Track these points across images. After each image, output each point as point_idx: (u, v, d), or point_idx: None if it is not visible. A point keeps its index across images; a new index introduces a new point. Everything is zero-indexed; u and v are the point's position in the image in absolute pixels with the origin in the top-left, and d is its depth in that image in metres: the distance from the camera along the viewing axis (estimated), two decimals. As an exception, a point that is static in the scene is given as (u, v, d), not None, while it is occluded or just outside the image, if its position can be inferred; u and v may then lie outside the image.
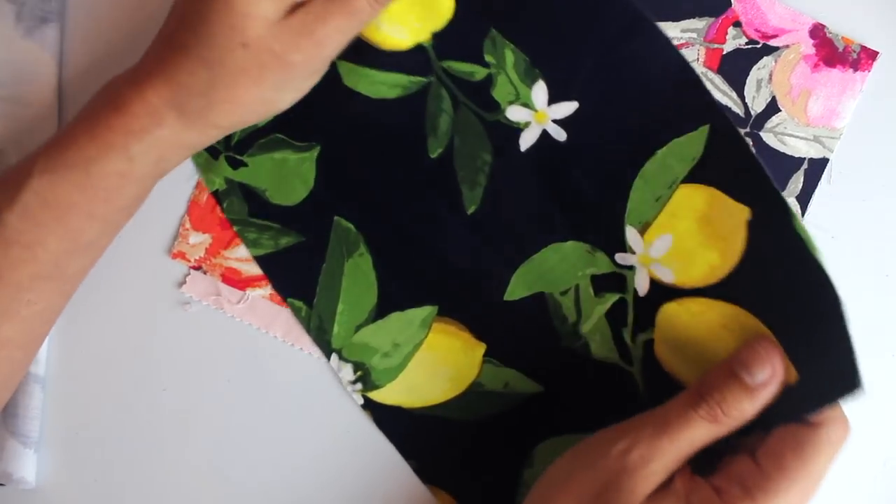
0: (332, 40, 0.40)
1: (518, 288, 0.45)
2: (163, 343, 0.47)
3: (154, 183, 0.42)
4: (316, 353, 0.46)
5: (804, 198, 0.46)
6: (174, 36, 0.40)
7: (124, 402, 0.47)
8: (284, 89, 0.41)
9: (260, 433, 0.47)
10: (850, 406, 0.45)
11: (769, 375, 0.38)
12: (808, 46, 0.45)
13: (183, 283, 0.46)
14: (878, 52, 0.45)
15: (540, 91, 0.45)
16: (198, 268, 0.47)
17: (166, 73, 0.39)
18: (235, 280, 0.46)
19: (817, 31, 0.46)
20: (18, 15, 0.46)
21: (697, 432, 0.38)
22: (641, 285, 0.44)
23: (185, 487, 0.47)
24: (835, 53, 0.45)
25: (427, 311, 0.45)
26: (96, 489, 0.47)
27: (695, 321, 0.42)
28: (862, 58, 0.45)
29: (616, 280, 0.44)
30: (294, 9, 0.39)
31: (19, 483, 0.46)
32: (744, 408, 0.37)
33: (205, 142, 0.41)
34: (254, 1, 0.38)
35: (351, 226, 0.45)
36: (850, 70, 0.45)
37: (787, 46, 0.45)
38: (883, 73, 0.45)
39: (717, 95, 0.46)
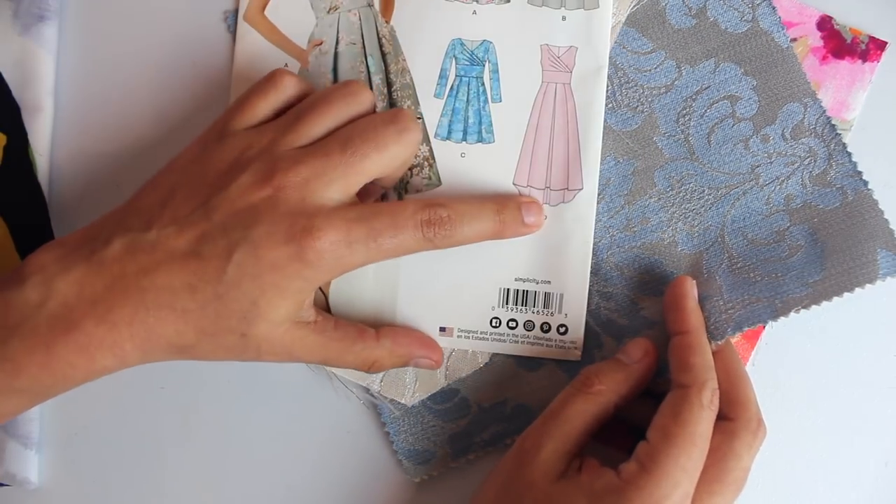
0: (303, 361, 0.41)
1: None
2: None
3: None
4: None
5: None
6: (173, 295, 0.37)
7: (125, 403, 0.47)
8: (241, 360, 0.40)
9: (259, 433, 0.46)
10: (850, 407, 0.45)
11: (642, 354, 0.42)
12: (815, 39, 0.45)
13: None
14: (886, 43, 0.45)
15: None
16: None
17: (152, 328, 0.37)
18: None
19: (825, 23, 0.45)
20: (15, 12, 0.46)
21: (577, 407, 0.41)
22: None
23: (185, 487, 0.46)
24: (843, 45, 0.45)
25: None
26: (98, 489, 0.47)
27: None
28: (871, 48, 0.45)
29: None
30: (300, 320, 0.40)
31: (23, 483, 0.46)
32: (617, 378, 0.41)
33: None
34: (277, 307, 0.38)
35: None
36: (859, 61, 0.45)
37: (795, 39, 0.45)
38: (892, 63, 0.45)
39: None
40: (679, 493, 0.38)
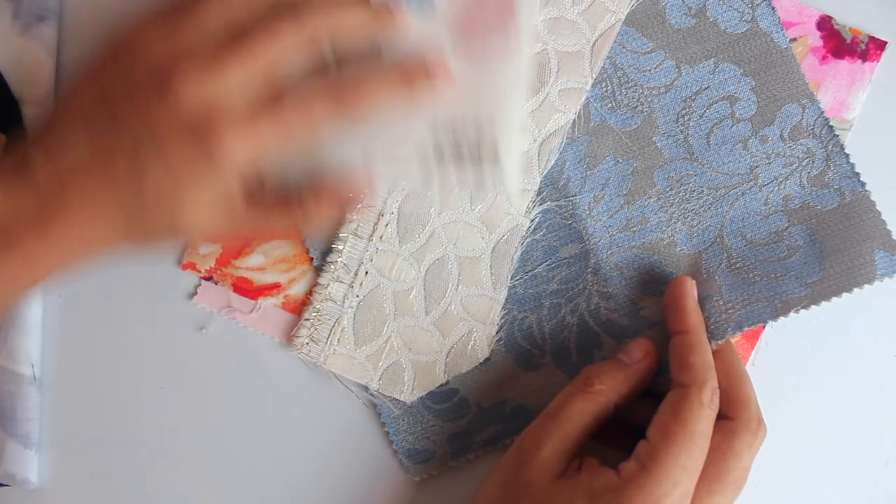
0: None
1: None
2: (162, 343, 0.46)
3: None
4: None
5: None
6: (97, 202, 0.38)
7: (125, 403, 0.47)
8: None
9: (259, 433, 0.46)
10: (850, 407, 0.45)
11: (643, 354, 0.42)
12: (815, 39, 0.45)
13: (194, 293, 0.46)
14: (886, 42, 0.45)
15: None
16: (208, 278, 0.46)
17: (82, 236, 0.38)
18: (247, 289, 0.46)
19: (824, 23, 0.45)
20: (15, 13, 0.46)
21: (577, 406, 0.41)
22: None
23: (185, 487, 0.46)
24: (843, 45, 0.45)
25: None
26: (98, 489, 0.46)
27: None
28: (870, 48, 0.45)
29: None
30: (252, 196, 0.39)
31: (22, 483, 0.46)
32: (617, 378, 0.42)
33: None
34: (198, 208, 0.38)
35: None
36: (859, 61, 0.45)
37: (795, 39, 0.45)
38: (892, 62, 0.45)
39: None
40: (679, 491, 0.38)
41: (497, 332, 0.46)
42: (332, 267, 0.46)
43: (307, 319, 0.46)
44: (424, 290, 0.46)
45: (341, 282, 0.46)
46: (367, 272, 0.46)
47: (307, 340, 0.46)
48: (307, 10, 0.38)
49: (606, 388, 0.41)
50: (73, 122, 0.38)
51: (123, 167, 0.37)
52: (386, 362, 0.46)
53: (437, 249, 0.46)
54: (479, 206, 0.46)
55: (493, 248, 0.46)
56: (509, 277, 0.46)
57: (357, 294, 0.46)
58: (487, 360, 0.46)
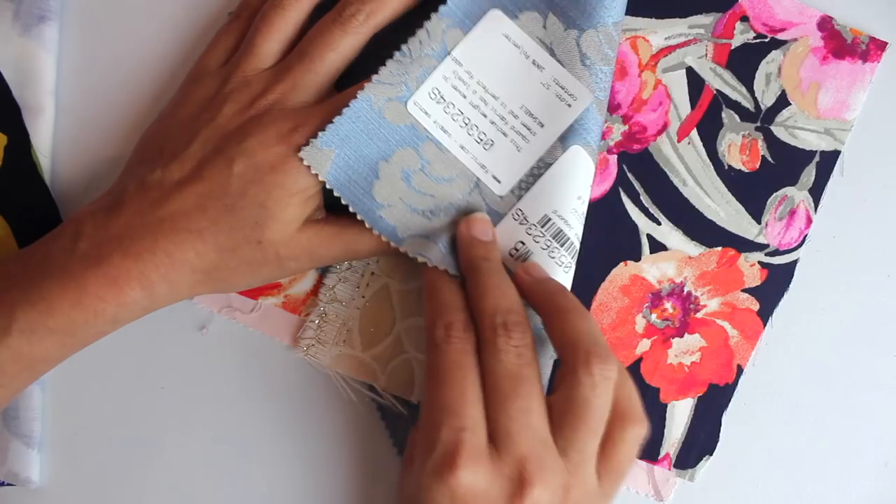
0: (325, 261, 0.43)
1: None
2: (162, 343, 0.47)
3: None
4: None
5: (817, 191, 0.46)
6: (187, 218, 0.40)
7: (125, 403, 0.47)
8: (267, 280, 0.43)
9: (259, 433, 0.46)
10: (850, 407, 0.46)
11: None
12: (816, 39, 0.45)
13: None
14: (886, 43, 0.45)
15: None
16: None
17: (173, 253, 0.40)
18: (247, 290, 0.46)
19: (825, 24, 0.45)
20: (16, 13, 0.46)
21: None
22: None
23: (185, 487, 0.46)
24: (843, 45, 0.45)
25: None
26: (99, 488, 0.47)
27: None
28: (871, 49, 0.45)
29: None
30: (310, 218, 0.42)
31: (25, 483, 0.46)
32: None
33: (176, 301, 0.42)
34: (285, 206, 0.40)
35: None
36: (860, 61, 0.45)
37: (796, 40, 0.45)
38: (892, 63, 0.45)
39: (727, 91, 0.46)
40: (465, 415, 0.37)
41: None
42: (338, 268, 0.46)
43: (313, 321, 0.46)
44: None
45: (347, 282, 0.46)
46: (372, 273, 0.46)
47: (313, 342, 0.46)
48: None
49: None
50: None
51: (214, 172, 0.40)
52: (394, 363, 0.46)
53: None
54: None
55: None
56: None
57: (363, 295, 0.46)
58: None
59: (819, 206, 0.45)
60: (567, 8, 0.42)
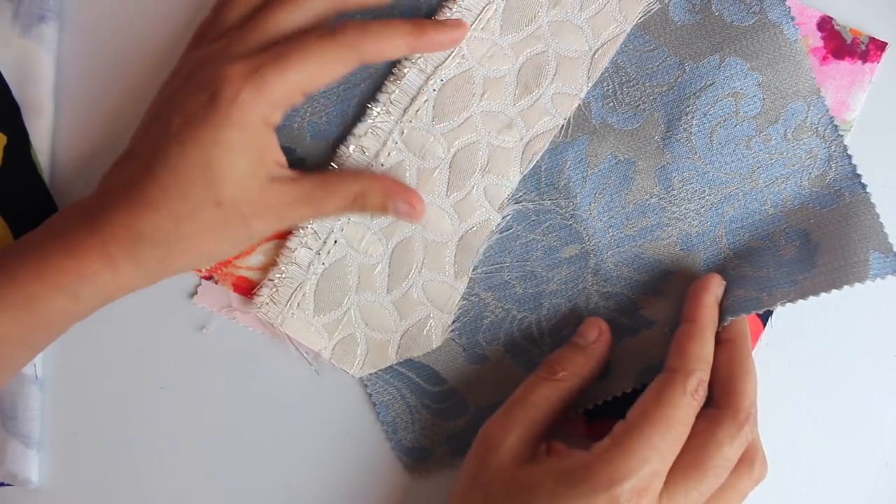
0: (292, 220, 0.42)
1: None
2: (162, 343, 0.47)
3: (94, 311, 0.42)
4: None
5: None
6: (139, 188, 0.39)
7: (125, 403, 0.47)
8: (239, 245, 0.42)
9: (259, 433, 0.47)
10: (850, 407, 0.46)
11: (597, 333, 0.43)
12: (815, 39, 0.45)
13: (194, 293, 0.46)
14: (886, 43, 0.45)
15: None
16: (209, 278, 0.46)
17: (129, 225, 0.39)
18: (247, 289, 0.46)
19: (825, 24, 0.45)
20: (15, 13, 0.46)
21: (540, 393, 0.42)
22: None
23: (185, 487, 0.47)
24: (843, 45, 0.45)
25: None
26: (98, 488, 0.47)
27: None
28: (871, 49, 0.45)
29: None
30: (274, 177, 0.40)
31: (24, 483, 0.46)
32: (578, 362, 0.43)
33: (150, 284, 0.41)
34: (232, 162, 0.39)
35: None
36: (859, 62, 0.45)
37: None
38: (892, 63, 0.45)
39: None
40: (647, 469, 0.38)
41: (453, 323, 0.46)
42: (302, 232, 0.45)
43: (270, 280, 0.46)
44: (389, 267, 0.46)
45: (308, 248, 0.45)
46: (335, 241, 0.46)
47: (267, 300, 0.46)
48: None
49: (569, 374, 0.42)
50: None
51: (155, 141, 0.40)
52: (341, 333, 0.46)
53: (406, 228, 0.45)
54: (454, 195, 0.45)
55: (462, 236, 0.45)
56: (471, 269, 0.45)
57: (323, 262, 0.46)
58: (441, 345, 0.46)
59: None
60: None
